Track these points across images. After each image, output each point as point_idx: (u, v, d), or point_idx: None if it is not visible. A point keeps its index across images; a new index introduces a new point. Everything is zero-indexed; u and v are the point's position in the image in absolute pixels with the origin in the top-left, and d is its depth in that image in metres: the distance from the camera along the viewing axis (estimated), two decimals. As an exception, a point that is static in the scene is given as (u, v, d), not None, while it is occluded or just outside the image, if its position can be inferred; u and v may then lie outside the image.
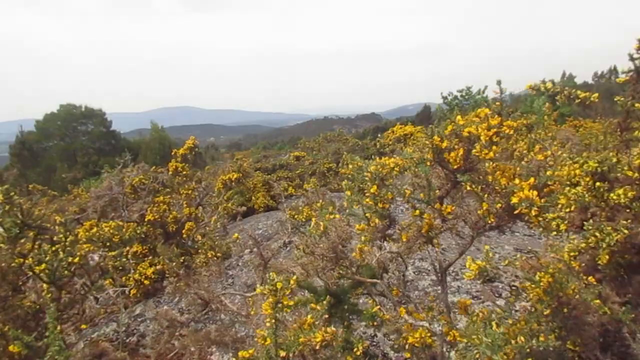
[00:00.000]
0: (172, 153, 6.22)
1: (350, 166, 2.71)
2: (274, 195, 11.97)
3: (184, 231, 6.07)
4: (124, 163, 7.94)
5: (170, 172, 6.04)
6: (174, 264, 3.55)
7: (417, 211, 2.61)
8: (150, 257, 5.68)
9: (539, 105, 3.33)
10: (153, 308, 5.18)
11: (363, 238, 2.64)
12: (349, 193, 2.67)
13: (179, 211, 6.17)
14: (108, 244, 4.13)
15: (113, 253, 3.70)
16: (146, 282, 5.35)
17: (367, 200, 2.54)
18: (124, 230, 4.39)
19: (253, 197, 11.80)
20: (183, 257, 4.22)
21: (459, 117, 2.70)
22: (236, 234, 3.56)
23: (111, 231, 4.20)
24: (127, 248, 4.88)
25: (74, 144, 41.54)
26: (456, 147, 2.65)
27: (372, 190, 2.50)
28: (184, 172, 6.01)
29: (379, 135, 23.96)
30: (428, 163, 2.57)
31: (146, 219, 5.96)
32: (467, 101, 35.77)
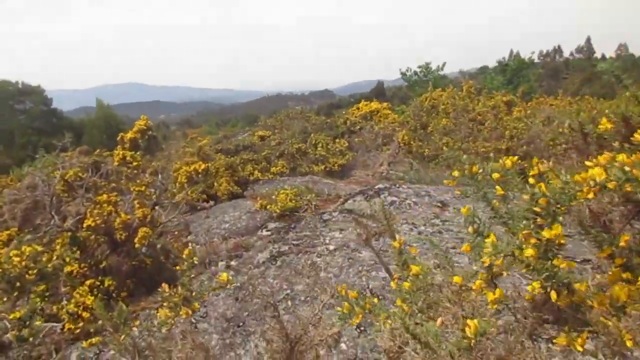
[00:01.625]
0: (119, 138, 4.75)
1: (467, 169, 1.40)
2: (239, 180, 10.54)
3: (136, 239, 4.65)
4: (62, 146, 6.38)
5: (116, 163, 4.57)
6: (122, 335, 2.09)
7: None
8: (92, 278, 4.24)
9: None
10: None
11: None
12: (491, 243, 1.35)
13: (129, 213, 4.74)
14: (17, 284, 2.70)
15: (18, 314, 2.29)
16: (85, 314, 3.93)
17: (529, 252, 1.24)
18: (44, 258, 2.94)
19: (215, 183, 10.33)
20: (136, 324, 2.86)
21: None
22: (225, 274, 2.22)
23: (24, 263, 2.74)
24: (44, 289, 3.41)
25: (10, 124, 38.11)
26: None
27: (551, 234, 1.21)
28: (135, 163, 4.55)
29: (344, 111, 22.68)
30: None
31: (85, 225, 4.51)
32: (425, 77, 35.08)
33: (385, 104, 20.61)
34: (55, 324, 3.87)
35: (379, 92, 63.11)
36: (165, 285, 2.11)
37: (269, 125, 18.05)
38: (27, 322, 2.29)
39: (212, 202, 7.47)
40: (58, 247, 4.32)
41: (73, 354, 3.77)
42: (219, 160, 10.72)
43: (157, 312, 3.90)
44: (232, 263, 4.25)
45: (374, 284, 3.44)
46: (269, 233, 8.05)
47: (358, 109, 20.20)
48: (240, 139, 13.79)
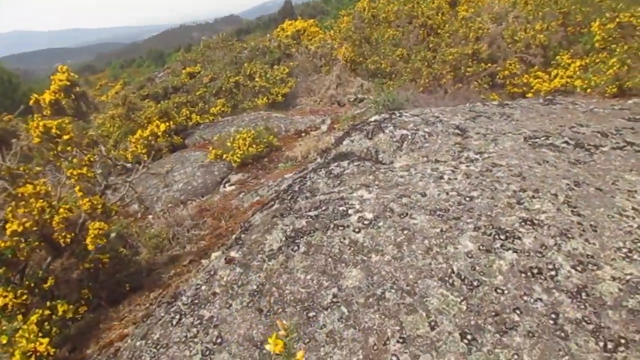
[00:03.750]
0: (32, 102, 3.33)
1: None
2: (176, 128, 9.03)
3: (88, 239, 3.38)
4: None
5: (36, 139, 3.17)
6: None
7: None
8: (37, 307, 2.98)
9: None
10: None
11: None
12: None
13: (71, 204, 3.43)
14: None
15: None
16: (40, 366, 2.71)
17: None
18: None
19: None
20: None
21: None
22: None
23: None
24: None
25: None
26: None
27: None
28: (66, 136, 3.18)
29: (268, 34, 20.86)
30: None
31: (10, 232, 3.17)
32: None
33: (311, 21, 19.11)
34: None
35: (287, 12, 60.46)
36: None
37: (189, 60, 16.23)
38: None
39: (168, 167, 6.11)
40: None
41: None
42: (149, 108, 9.12)
43: (146, 343, 2.75)
44: (233, 254, 3.12)
45: (458, 265, 2.46)
46: (232, 188, 6.86)
47: (283, 29, 18.57)
48: (168, 80, 12.03)
